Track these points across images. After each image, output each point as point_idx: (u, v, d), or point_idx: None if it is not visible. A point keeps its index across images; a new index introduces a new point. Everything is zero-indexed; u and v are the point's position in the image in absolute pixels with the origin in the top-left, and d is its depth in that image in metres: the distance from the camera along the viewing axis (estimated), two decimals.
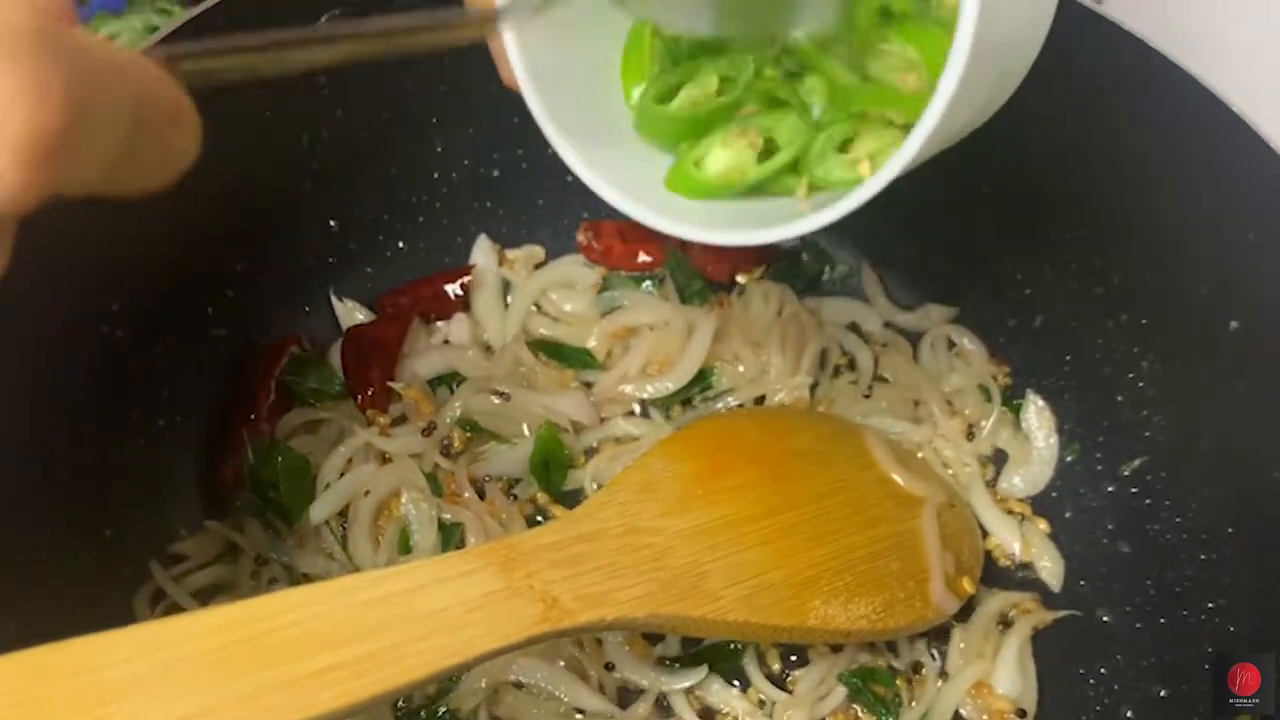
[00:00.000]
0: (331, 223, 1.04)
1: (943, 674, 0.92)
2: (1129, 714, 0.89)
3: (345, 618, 0.59)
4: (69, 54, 0.31)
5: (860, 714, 0.90)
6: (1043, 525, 1.00)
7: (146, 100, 0.36)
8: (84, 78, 0.32)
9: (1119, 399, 0.98)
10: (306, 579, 0.92)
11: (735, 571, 0.79)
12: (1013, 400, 1.05)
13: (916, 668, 0.92)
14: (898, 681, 0.90)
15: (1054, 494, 1.02)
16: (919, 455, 1.02)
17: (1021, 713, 0.90)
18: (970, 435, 1.04)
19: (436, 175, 1.07)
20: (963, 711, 0.90)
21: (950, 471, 1.02)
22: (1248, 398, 0.86)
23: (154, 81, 0.36)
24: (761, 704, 0.90)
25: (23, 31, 0.30)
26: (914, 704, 0.90)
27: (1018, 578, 0.98)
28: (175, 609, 0.88)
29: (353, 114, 0.96)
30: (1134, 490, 0.96)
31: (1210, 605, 0.87)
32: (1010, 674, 0.91)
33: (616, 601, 0.72)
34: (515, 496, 0.98)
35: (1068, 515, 1.00)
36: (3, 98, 0.29)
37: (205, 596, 0.91)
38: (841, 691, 0.90)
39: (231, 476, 0.96)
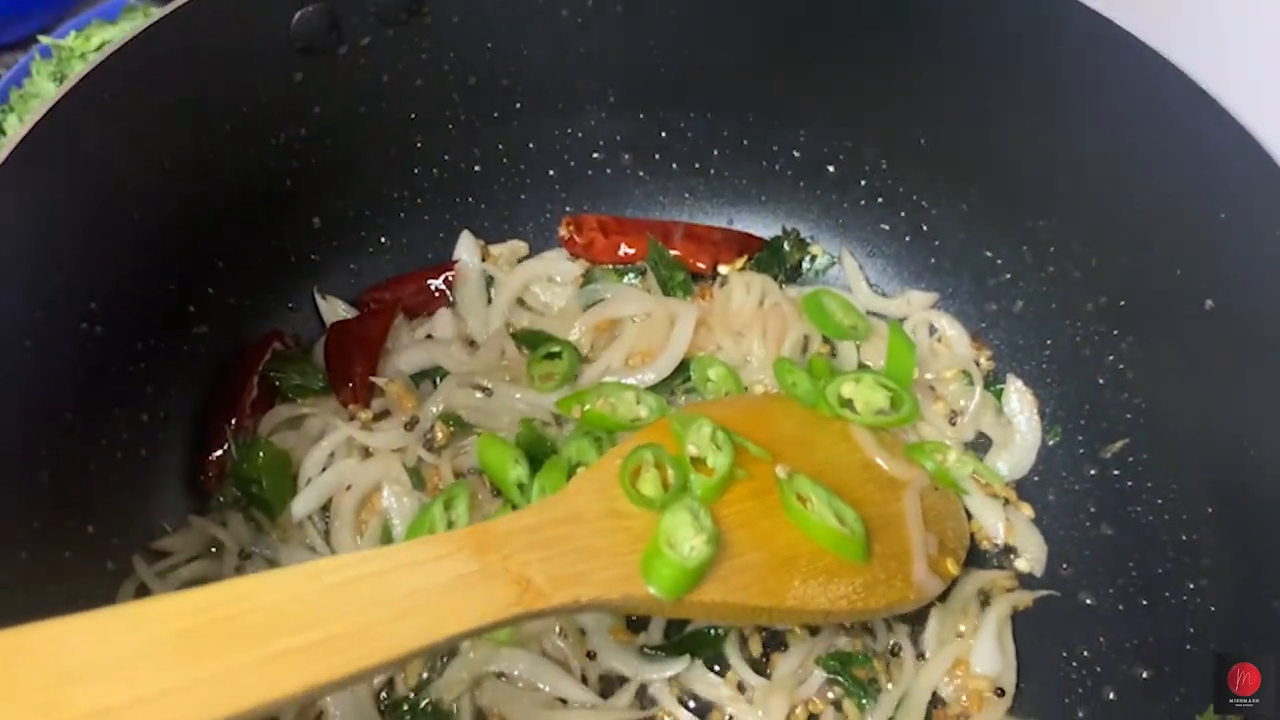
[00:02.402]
0: (314, 219, 1.04)
1: (920, 656, 0.92)
2: (1111, 695, 0.89)
3: (316, 600, 0.59)
4: None
5: (839, 697, 0.90)
6: (1026, 510, 1.00)
7: None
8: None
9: (1100, 382, 0.98)
10: None
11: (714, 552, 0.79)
12: (995, 385, 1.05)
13: (895, 650, 0.91)
14: (875, 664, 0.90)
15: (1036, 478, 1.02)
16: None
17: (1000, 691, 0.89)
18: (953, 420, 1.04)
19: (417, 171, 1.07)
20: (941, 693, 0.90)
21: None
22: (1225, 377, 0.86)
23: None
24: (741, 689, 0.90)
25: None
26: (892, 685, 0.90)
27: (1000, 561, 0.98)
28: None
29: (330, 110, 0.96)
30: (1116, 473, 0.96)
31: (1191, 585, 0.87)
32: (989, 652, 0.90)
33: (592, 583, 0.72)
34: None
35: (1050, 499, 1.01)
36: None
37: None
38: (820, 675, 0.90)
39: (215, 472, 0.96)
